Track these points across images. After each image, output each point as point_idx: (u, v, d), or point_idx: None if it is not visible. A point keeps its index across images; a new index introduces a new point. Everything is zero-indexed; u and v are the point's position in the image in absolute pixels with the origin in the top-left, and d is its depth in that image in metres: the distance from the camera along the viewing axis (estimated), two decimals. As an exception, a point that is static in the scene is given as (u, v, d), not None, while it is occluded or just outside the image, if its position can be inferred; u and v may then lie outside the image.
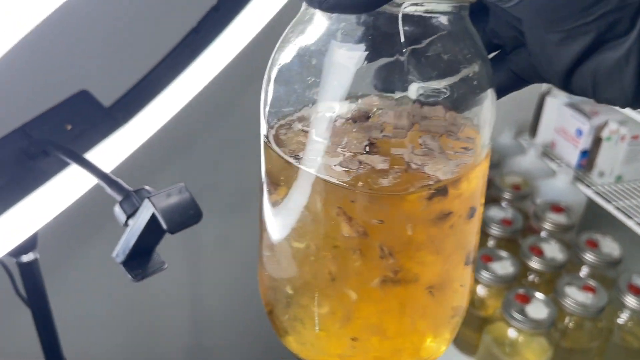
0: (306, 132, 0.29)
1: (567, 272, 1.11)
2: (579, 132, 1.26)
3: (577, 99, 1.29)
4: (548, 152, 1.34)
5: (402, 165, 0.27)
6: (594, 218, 1.28)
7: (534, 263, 1.09)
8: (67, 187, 0.63)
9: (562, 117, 1.30)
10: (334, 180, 0.27)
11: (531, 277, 1.12)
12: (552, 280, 1.09)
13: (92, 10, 0.79)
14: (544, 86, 1.37)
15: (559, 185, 1.25)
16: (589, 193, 1.23)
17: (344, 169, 0.27)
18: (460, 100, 0.28)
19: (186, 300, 1.39)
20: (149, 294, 1.30)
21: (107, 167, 0.68)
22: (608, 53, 0.24)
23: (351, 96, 0.28)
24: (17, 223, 0.59)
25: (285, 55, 0.29)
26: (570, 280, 1.05)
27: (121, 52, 0.82)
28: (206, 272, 1.39)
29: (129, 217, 0.49)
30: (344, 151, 0.27)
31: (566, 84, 0.26)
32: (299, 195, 0.28)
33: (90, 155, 0.65)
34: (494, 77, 0.29)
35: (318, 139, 0.28)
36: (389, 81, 0.27)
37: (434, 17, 0.26)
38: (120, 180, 0.51)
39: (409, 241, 0.28)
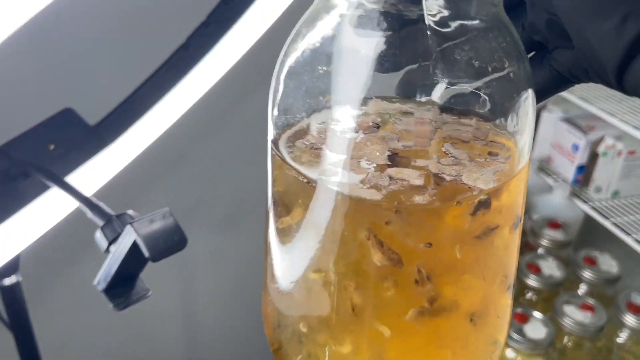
0: (319, 143, 0.25)
1: (565, 290, 1.09)
2: (575, 147, 1.24)
3: (572, 113, 1.28)
4: (544, 167, 1.32)
5: (435, 178, 0.24)
6: (591, 234, 1.27)
7: (532, 281, 1.08)
8: (51, 208, 0.61)
9: (558, 132, 1.28)
10: (366, 199, 0.23)
11: (529, 295, 1.11)
12: (550, 298, 1.07)
13: (78, 24, 0.77)
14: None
15: (555, 201, 1.23)
16: (586, 209, 1.21)
17: (372, 186, 0.23)
18: (494, 104, 0.25)
19: (179, 316, 1.37)
20: (140, 310, 1.27)
21: (95, 187, 0.66)
22: None
23: (368, 99, 0.26)
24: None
25: (299, 51, 0.26)
26: (569, 298, 1.03)
27: (108, 69, 0.80)
28: (199, 286, 1.36)
29: (110, 243, 0.46)
30: (369, 165, 0.24)
31: (620, 79, 0.23)
32: (319, 218, 0.24)
33: (76, 175, 0.63)
34: (534, 77, 0.26)
35: (336, 152, 0.25)
36: (411, 83, 0.25)
37: (464, 8, 0.24)
38: (102, 204, 0.49)
39: (452, 264, 0.24)
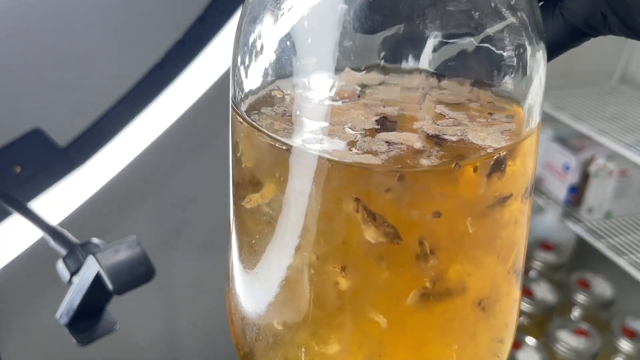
0: (294, 110, 0.22)
1: (558, 314, 1.06)
2: (566, 167, 1.22)
3: (563, 133, 1.26)
4: (535, 187, 1.30)
5: (437, 139, 0.21)
6: (584, 256, 1.24)
7: (524, 305, 1.05)
8: (16, 235, 0.58)
9: (548, 151, 1.26)
10: (362, 164, 0.20)
11: (521, 320, 1.07)
12: (543, 322, 1.04)
13: (49, 42, 0.74)
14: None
15: (547, 222, 1.21)
16: (578, 230, 1.19)
17: (367, 151, 0.20)
18: (494, 61, 0.22)
19: (161, 342, 1.33)
20: (120, 336, 1.23)
21: (67, 211, 0.63)
22: None
23: (347, 66, 0.23)
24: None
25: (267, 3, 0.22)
26: (562, 323, 1.01)
27: (79, 88, 0.78)
28: (181, 311, 1.32)
29: (73, 274, 0.43)
30: (356, 131, 0.21)
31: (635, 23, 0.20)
32: (299, 192, 0.21)
33: (46, 199, 0.59)
34: (545, 29, 0.23)
35: (315, 119, 0.22)
36: (396, 44, 0.22)
37: None
38: (65, 232, 0.46)
39: (462, 236, 0.21)
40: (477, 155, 0.21)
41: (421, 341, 0.22)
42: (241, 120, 0.23)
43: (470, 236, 0.21)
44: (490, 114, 0.23)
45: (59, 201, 0.60)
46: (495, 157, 0.21)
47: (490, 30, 0.21)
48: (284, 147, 0.21)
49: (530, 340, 0.97)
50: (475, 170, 0.21)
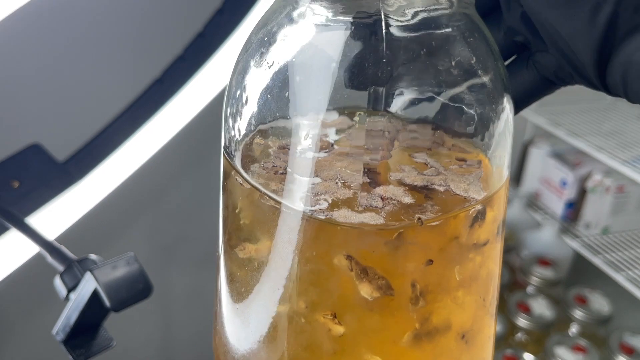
0: (284, 167, 0.23)
1: (555, 330, 1.06)
2: (564, 183, 1.23)
3: (560, 149, 1.27)
4: (532, 202, 1.30)
5: (425, 191, 0.22)
6: (582, 271, 1.24)
7: (522, 321, 1.04)
8: (13, 250, 0.58)
9: (546, 167, 1.27)
10: (368, 224, 0.21)
11: (519, 336, 1.07)
12: (541, 338, 1.04)
13: (46, 57, 0.75)
14: (527, 135, 1.34)
15: (544, 238, 1.21)
16: (576, 245, 1.19)
17: (367, 209, 0.21)
18: (461, 115, 0.23)
19: (158, 355, 1.32)
20: (116, 353, 1.22)
21: (65, 226, 0.63)
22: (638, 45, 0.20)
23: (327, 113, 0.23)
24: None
25: (255, 57, 0.23)
26: (560, 339, 1.00)
27: (78, 103, 0.78)
28: (179, 324, 1.32)
29: (70, 290, 0.43)
30: (349, 187, 0.22)
31: (601, 76, 0.21)
32: (292, 248, 0.22)
33: (44, 214, 0.59)
34: (519, 80, 0.24)
35: (306, 175, 0.22)
36: (374, 95, 0.23)
37: (428, 10, 0.22)
38: (63, 248, 0.45)
39: (448, 280, 0.22)
40: (463, 207, 0.22)
41: None
42: (241, 181, 0.24)
43: (456, 277, 0.23)
44: (460, 159, 0.24)
45: (57, 216, 0.60)
46: (478, 208, 0.22)
47: (457, 89, 0.23)
48: (284, 209, 0.22)
49: (528, 356, 0.97)
50: (463, 220, 0.22)
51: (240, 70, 0.24)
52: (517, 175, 1.35)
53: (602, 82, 0.22)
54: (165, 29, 0.70)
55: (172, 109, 0.62)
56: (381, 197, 0.22)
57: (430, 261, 0.22)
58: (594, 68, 0.21)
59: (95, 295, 0.41)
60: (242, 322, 0.25)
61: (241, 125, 0.24)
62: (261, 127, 0.24)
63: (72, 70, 0.77)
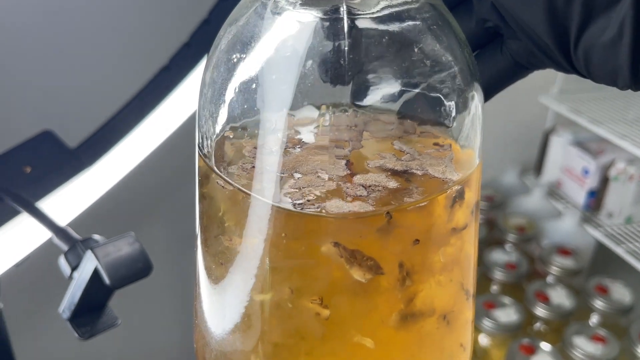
0: (255, 160, 0.24)
1: (575, 320, 1.04)
2: (585, 172, 1.21)
3: (582, 137, 1.25)
4: (554, 192, 1.28)
5: (405, 175, 0.23)
6: (603, 261, 1.22)
7: (540, 310, 1.03)
8: (29, 233, 0.59)
9: (567, 155, 1.25)
10: (357, 212, 0.22)
11: (537, 326, 1.06)
12: (560, 328, 1.03)
13: (58, 44, 0.76)
14: (548, 123, 1.32)
15: (565, 227, 1.19)
16: (598, 235, 1.17)
17: (355, 198, 0.22)
18: (432, 104, 0.24)
19: (175, 348, 1.34)
20: (133, 342, 1.25)
21: (77, 210, 0.64)
22: (599, 26, 0.20)
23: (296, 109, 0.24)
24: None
25: (225, 53, 0.24)
26: (579, 329, 0.99)
27: (89, 91, 0.80)
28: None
29: (73, 269, 0.44)
30: (332, 179, 0.23)
31: (568, 60, 0.22)
32: (285, 240, 0.22)
33: (61, 198, 0.61)
34: (493, 65, 0.25)
35: (286, 170, 0.23)
36: (336, 83, 0.23)
37: (394, 4, 0.22)
38: (69, 229, 0.47)
39: (432, 259, 0.23)
40: (443, 187, 0.23)
41: (406, 355, 0.24)
42: (222, 183, 0.24)
43: (439, 257, 0.24)
44: (433, 144, 0.25)
45: (69, 201, 0.62)
46: (457, 189, 0.23)
47: (425, 79, 0.23)
48: (271, 205, 0.22)
49: (545, 345, 0.95)
50: (444, 201, 0.23)
51: (212, 67, 0.25)
52: (538, 164, 1.33)
53: (570, 65, 0.22)
54: (171, 18, 0.71)
55: (180, 95, 0.63)
56: (363, 186, 0.22)
57: (417, 241, 0.22)
58: (559, 53, 0.22)
59: (96, 273, 0.42)
60: (228, 314, 0.25)
61: (214, 123, 0.25)
62: (233, 124, 0.24)
63: (82, 60, 0.79)
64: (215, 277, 0.25)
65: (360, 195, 0.22)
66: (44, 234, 0.60)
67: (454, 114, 0.24)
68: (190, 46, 0.61)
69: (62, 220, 0.56)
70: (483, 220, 1.26)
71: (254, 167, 0.24)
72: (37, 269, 0.72)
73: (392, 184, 0.23)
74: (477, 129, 0.25)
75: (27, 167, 0.57)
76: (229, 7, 0.58)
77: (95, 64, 0.82)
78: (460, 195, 0.24)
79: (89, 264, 0.42)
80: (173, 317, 1.30)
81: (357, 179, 0.23)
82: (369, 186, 0.22)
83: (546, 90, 1.27)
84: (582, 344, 0.96)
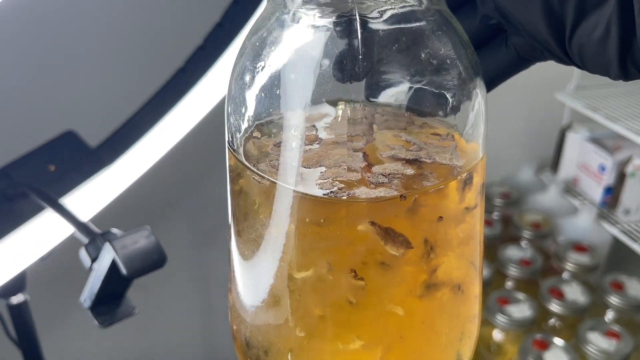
0: (279, 157, 0.26)
1: (590, 317, 1.04)
2: (602, 168, 1.20)
3: (598, 133, 1.25)
4: (570, 188, 1.28)
5: (417, 163, 0.26)
6: (620, 258, 1.22)
7: (554, 306, 1.04)
8: (53, 227, 0.62)
9: (584, 152, 1.25)
10: (385, 197, 0.25)
11: (552, 322, 1.07)
12: (574, 324, 1.03)
13: (80, 50, 0.80)
14: (565, 120, 1.32)
15: (581, 224, 1.19)
16: (614, 232, 1.17)
17: (378, 185, 0.25)
18: (436, 99, 0.27)
19: (198, 336, 1.37)
20: (156, 330, 1.28)
21: (99, 206, 0.68)
22: (591, 23, 0.23)
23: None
24: (-2, 265, 0.59)
25: (249, 57, 0.27)
26: (593, 325, 0.99)
27: (108, 93, 0.83)
28: (218, 311, 1.37)
29: (93, 260, 0.47)
30: (355, 171, 0.25)
31: (566, 54, 0.25)
32: (317, 223, 0.25)
33: (81, 196, 0.64)
34: (496, 59, 0.28)
35: (312, 165, 0.26)
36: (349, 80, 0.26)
37: (401, 8, 0.25)
38: (88, 223, 0.50)
39: (452, 238, 0.27)
40: (453, 172, 0.26)
41: (428, 321, 0.27)
42: (257, 178, 0.27)
43: (457, 233, 0.27)
44: (435, 134, 0.28)
45: (91, 198, 0.65)
46: (467, 175, 0.26)
47: (429, 77, 0.26)
48: (301, 195, 0.25)
49: (558, 341, 0.96)
50: (457, 184, 0.26)
51: (237, 74, 0.27)
52: (554, 161, 1.33)
53: (568, 58, 0.25)
54: (187, 21, 0.74)
55: (195, 96, 0.65)
56: (383, 174, 0.25)
57: (441, 218, 0.26)
58: (557, 48, 0.24)
59: (114, 264, 0.45)
60: (269, 292, 0.27)
61: (241, 123, 0.28)
62: (259, 122, 0.27)
63: (102, 67, 0.82)
64: (255, 262, 0.28)
65: (383, 182, 0.25)
66: (66, 230, 0.63)
67: (458, 109, 0.27)
68: (205, 49, 0.63)
69: (84, 216, 0.59)
70: (499, 216, 1.27)
71: (278, 163, 0.26)
72: (60, 263, 0.75)
73: (409, 171, 0.25)
74: (480, 122, 0.28)
75: (51, 166, 0.60)
76: (241, 11, 0.60)
77: (114, 69, 0.85)
78: (469, 180, 0.27)
79: (107, 255, 0.45)
80: (191, 312, 1.33)
81: (377, 168, 0.25)
82: (389, 174, 0.25)
83: (562, 87, 1.27)
84: (596, 340, 0.96)
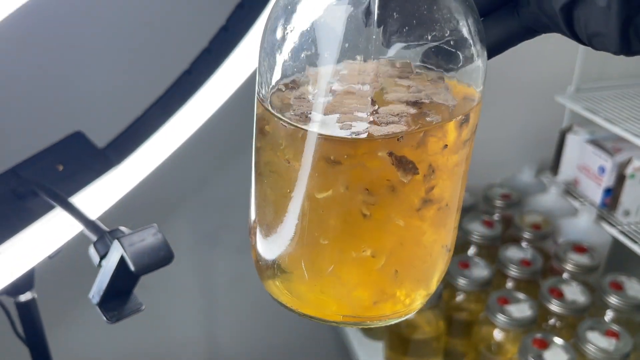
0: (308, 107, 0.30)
1: (590, 316, 1.05)
2: (602, 170, 1.22)
3: (598, 135, 1.26)
4: (570, 190, 1.29)
5: (418, 104, 0.30)
6: (620, 259, 1.23)
7: (554, 306, 1.05)
8: (62, 225, 0.64)
9: (584, 154, 1.26)
10: (396, 132, 0.29)
11: (552, 321, 1.08)
12: (574, 324, 1.04)
13: (88, 52, 0.81)
14: (565, 123, 1.34)
15: (581, 225, 1.20)
16: (614, 233, 1.18)
17: (389, 122, 0.29)
18: (446, 53, 0.30)
19: (201, 336, 1.38)
20: (160, 330, 1.29)
21: (105, 206, 0.69)
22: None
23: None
24: (7, 262, 0.60)
25: (281, 17, 0.30)
26: (593, 324, 1.00)
27: (115, 95, 0.84)
28: (221, 307, 1.38)
29: (102, 258, 0.48)
30: (367, 113, 0.30)
31: (570, 29, 0.26)
32: (340, 161, 0.29)
33: (87, 195, 0.65)
34: (506, 27, 0.30)
35: (332, 112, 0.30)
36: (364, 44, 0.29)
37: None
38: (96, 221, 0.51)
39: (448, 164, 0.31)
40: (451, 112, 0.31)
41: (424, 230, 0.32)
42: (285, 124, 0.31)
43: (454, 161, 0.31)
44: (433, 80, 0.31)
45: (98, 197, 0.66)
46: (464, 113, 0.31)
47: (440, 34, 0.29)
48: (333, 139, 0.30)
49: (558, 340, 0.97)
50: (456, 122, 0.31)
51: (268, 31, 0.31)
52: (555, 163, 1.34)
53: (572, 33, 0.26)
54: (193, 25, 0.75)
55: (200, 98, 0.66)
56: (392, 114, 0.29)
57: (446, 146, 0.30)
58: (563, 22, 0.26)
59: (122, 261, 0.46)
60: (295, 216, 0.32)
61: (270, 78, 0.32)
62: (286, 76, 0.31)
63: (109, 70, 0.84)
64: (281, 190, 0.32)
65: (393, 121, 0.29)
66: (74, 229, 0.65)
67: (459, 62, 0.30)
68: (210, 51, 0.64)
69: (91, 215, 0.60)
70: (499, 217, 1.28)
71: (303, 113, 0.30)
72: (67, 262, 0.77)
73: (412, 110, 0.30)
74: (479, 74, 0.31)
75: (59, 165, 0.62)
76: (246, 16, 0.62)
77: (122, 72, 0.87)
78: (467, 118, 0.31)
79: (116, 252, 0.46)
80: (194, 311, 1.35)
81: (387, 109, 0.29)
82: (397, 114, 0.29)
83: (562, 90, 1.28)
84: (596, 339, 0.97)
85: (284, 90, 0.31)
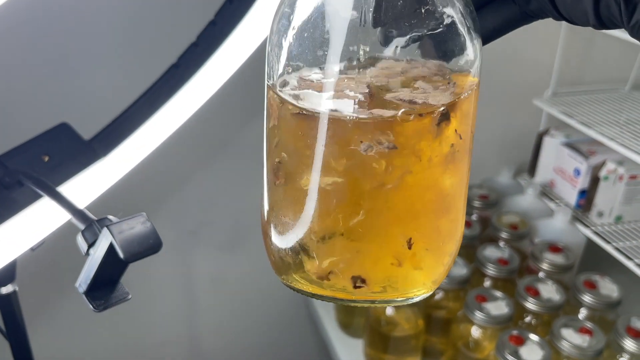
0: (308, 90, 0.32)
1: (564, 314, 1.08)
2: (577, 172, 1.25)
3: (574, 138, 1.29)
4: (547, 191, 1.32)
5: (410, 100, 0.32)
6: (593, 259, 1.26)
7: (530, 304, 1.07)
8: (46, 216, 0.64)
9: (560, 156, 1.29)
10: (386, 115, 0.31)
11: (528, 319, 1.10)
12: (549, 321, 1.06)
13: (76, 46, 0.81)
14: (542, 126, 1.37)
15: (557, 225, 1.23)
16: (588, 233, 1.21)
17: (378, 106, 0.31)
18: (444, 49, 0.32)
19: (182, 334, 1.38)
20: (143, 327, 1.29)
21: (89, 197, 0.69)
22: None
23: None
24: (-10, 253, 0.60)
25: (288, 12, 0.32)
26: (567, 322, 1.03)
27: (103, 86, 0.84)
28: (202, 305, 1.38)
29: (89, 246, 0.49)
30: (367, 97, 0.31)
31: (559, 13, 0.29)
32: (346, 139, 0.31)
33: (70, 186, 0.65)
34: (504, 13, 0.32)
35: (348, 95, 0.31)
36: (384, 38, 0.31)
37: None
38: (85, 210, 0.51)
39: (467, 114, 0.34)
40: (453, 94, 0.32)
41: (448, 204, 0.34)
42: (292, 109, 0.32)
43: (468, 110, 0.34)
44: (443, 79, 0.33)
45: (81, 190, 0.66)
46: (442, 109, 0.32)
47: (441, 26, 0.31)
48: (330, 118, 0.32)
49: (533, 337, 0.99)
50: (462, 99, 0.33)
51: (277, 18, 0.33)
52: (532, 165, 1.37)
53: (559, 13, 0.29)
54: (181, 19, 0.76)
55: (188, 92, 0.67)
56: (395, 98, 0.31)
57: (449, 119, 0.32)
58: (549, 3, 0.29)
59: (111, 248, 0.47)
60: (299, 197, 0.33)
61: (278, 66, 0.33)
62: (292, 63, 0.33)
63: (96, 62, 0.83)
64: (298, 175, 0.33)
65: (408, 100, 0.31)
66: (57, 220, 0.65)
67: (455, 54, 0.32)
68: (198, 46, 0.65)
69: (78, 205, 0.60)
70: (478, 218, 1.31)
71: (313, 95, 0.32)
72: (50, 255, 0.76)
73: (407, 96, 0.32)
74: (475, 67, 0.33)
75: (45, 156, 0.62)
76: (235, 11, 0.62)
77: (109, 65, 0.87)
78: (446, 115, 0.32)
79: (105, 240, 0.46)
80: (176, 307, 1.34)
81: (398, 94, 0.31)
82: (402, 101, 0.31)
83: (540, 93, 1.31)
84: (570, 336, 0.99)
85: (291, 74, 0.33)
